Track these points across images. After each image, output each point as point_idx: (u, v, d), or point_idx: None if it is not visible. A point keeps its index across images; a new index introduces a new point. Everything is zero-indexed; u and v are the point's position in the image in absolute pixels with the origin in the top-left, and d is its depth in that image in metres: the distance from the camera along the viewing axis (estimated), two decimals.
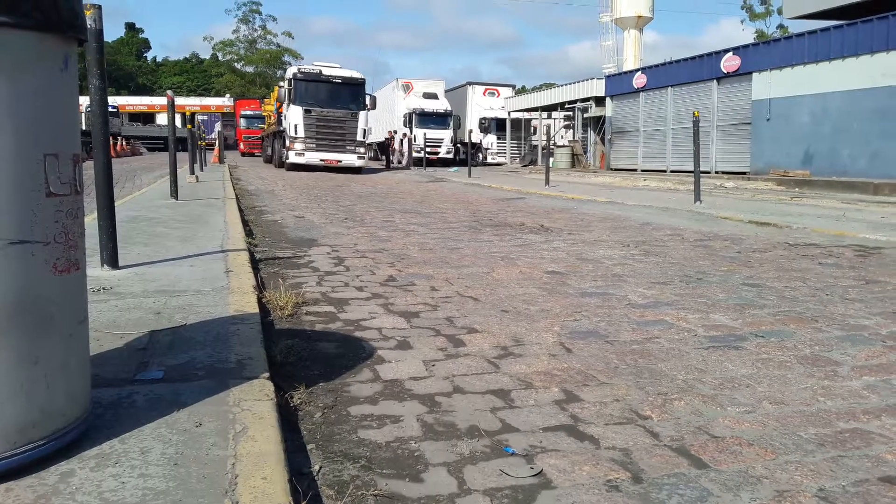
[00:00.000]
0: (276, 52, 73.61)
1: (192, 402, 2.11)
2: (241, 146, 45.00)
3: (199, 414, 2.04)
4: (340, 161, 22.25)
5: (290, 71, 23.28)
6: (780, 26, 58.02)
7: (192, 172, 13.56)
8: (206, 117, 52.50)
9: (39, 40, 1.58)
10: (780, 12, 53.64)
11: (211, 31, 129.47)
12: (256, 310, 3.29)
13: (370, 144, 23.61)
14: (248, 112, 45.91)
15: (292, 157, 21.96)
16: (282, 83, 23.72)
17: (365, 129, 22.97)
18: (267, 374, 2.39)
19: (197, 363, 2.50)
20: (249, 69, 74.67)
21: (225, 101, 62.61)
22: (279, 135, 25.45)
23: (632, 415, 2.35)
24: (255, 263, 4.86)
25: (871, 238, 6.95)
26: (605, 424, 2.27)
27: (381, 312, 3.69)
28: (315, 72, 22.55)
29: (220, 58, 79.40)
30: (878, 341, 3.28)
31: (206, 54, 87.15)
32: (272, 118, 30.46)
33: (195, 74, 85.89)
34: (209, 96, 71.12)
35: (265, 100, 39.49)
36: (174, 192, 9.08)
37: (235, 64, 75.98)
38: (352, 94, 22.66)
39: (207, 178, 14.46)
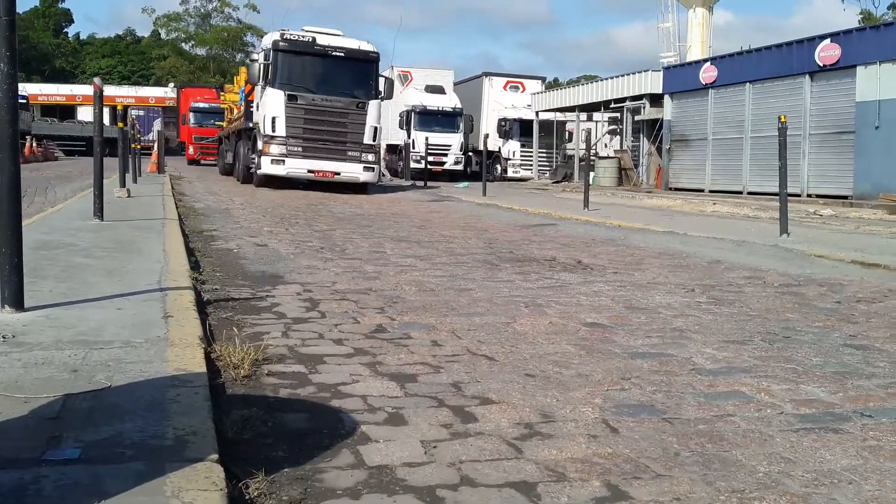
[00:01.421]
0: (236, 29, 74.90)
1: (117, 492, 2.12)
2: (190, 150, 42.30)
3: None
4: (338, 173, 19.67)
5: (269, 38, 20.24)
6: (893, 6, 58.81)
7: (123, 184, 13.69)
8: (141, 113, 53.04)
9: None
10: None
11: (152, 1, 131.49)
12: (203, 368, 3.31)
13: (377, 151, 20.66)
14: (202, 105, 42.78)
15: (267, 166, 19.25)
16: (252, 58, 21.34)
17: (376, 128, 20.22)
18: (216, 456, 2.40)
19: (124, 439, 2.52)
20: (201, 52, 75.81)
21: (167, 93, 63.36)
22: (246, 134, 22.82)
23: None
24: (202, 306, 4.89)
25: None
26: None
27: (366, 374, 3.70)
28: (306, 40, 19.67)
29: (162, 36, 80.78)
30: None
31: (144, 31, 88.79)
32: (234, 111, 27.95)
33: (130, 57, 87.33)
34: (147, 85, 72.14)
35: (225, 87, 35.82)
36: (98, 211, 9.17)
37: (183, 44, 77.16)
38: (359, 74, 20.00)
39: (142, 192, 14.61)
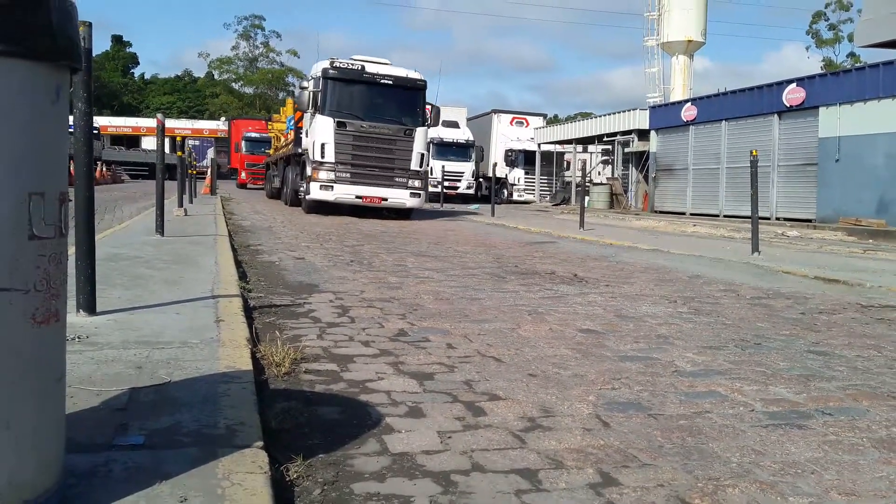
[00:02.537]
0: (279, 71, 75.37)
1: (176, 474, 2.13)
2: (242, 175, 41.19)
3: (183, 487, 2.05)
4: (386, 199, 17.88)
5: (319, 66, 18.07)
6: (851, 55, 58.59)
7: (181, 205, 13.80)
8: (197, 142, 53.46)
9: (31, 71, 1.66)
10: (850, 39, 54.21)
11: (207, 47, 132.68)
12: (250, 366, 3.33)
13: (423, 177, 18.80)
14: (253, 134, 41.74)
15: (316, 192, 17.50)
16: (302, 85, 18.82)
17: (423, 155, 18.35)
18: (261, 443, 2.41)
19: (182, 427, 2.53)
20: (248, 90, 76.35)
21: (219, 125, 63.77)
22: (294, 160, 21.27)
23: (677, 503, 2.33)
24: (248, 312, 4.91)
25: None
26: None
27: (390, 372, 3.71)
28: (355, 68, 17.83)
29: (216, 77, 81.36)
30: None
31: (200, 72, 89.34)
32: (282, 139, 26.59)
33: (187, 94, 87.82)
34: (202, 119, 72.64)
35: (273, 117, 34.71)
36: (160, 228, 9.23)
37: (233, 84, 77.75)
38: (407, 102, 18.16)
39: (197, 212, 14.69)
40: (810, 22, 64.64)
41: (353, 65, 17.94)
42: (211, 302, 4.83)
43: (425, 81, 18.49)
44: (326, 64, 17.77)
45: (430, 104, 18.73)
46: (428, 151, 18.90)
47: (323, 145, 17.39)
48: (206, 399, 2.84)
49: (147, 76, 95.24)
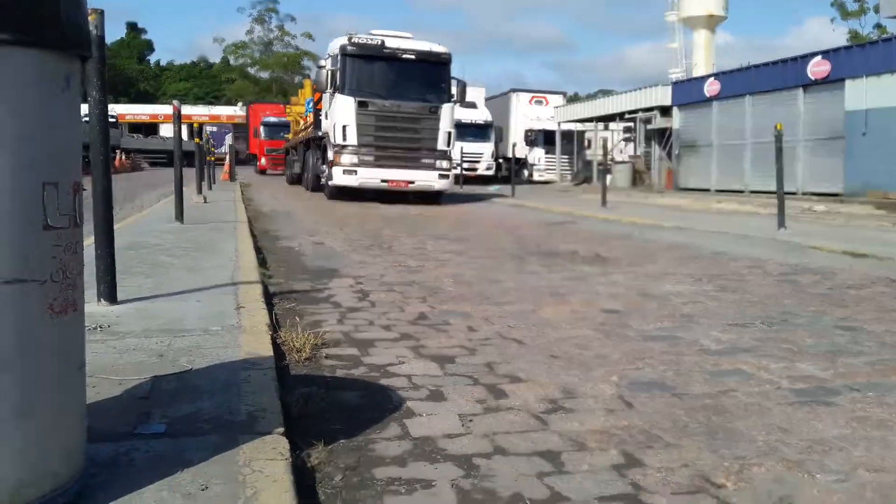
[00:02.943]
0: (295, 55, 75.17)
1: (198, 462, 2.15)
2: (262, 161, 40.58)
3: (205, 475, 2.07)
4: (413, 182, 16.87)
5: (337, 43, 17.07)
6: (878, 26, 57.41)
7: (200, 192, 13.89)
8: (215, 129, 53.66)
9: (39, 59, 1.67)
10: (876, 10, 53.12)
11: (222, 32, 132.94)
12: (270, 352, 3.34)
13: (451, 157, 17.69)
14: (272, 119, 40.83)
15: (338, 177, 16.64)
16: (320, 64, 17.77)
17: (450, 133, 17.24)
18: (281, 430, 2.43)
19: (203, 415, 2.55)
20: (264, 75, 76.38)
21: (236, 111, 63.97)
22: (314, 143, 20.49)
23: (703, 483, 2.32)
24: (269, 298, 4.94)
25: None
26: (672, 494, 2.25)
27: (410, 356, 3.71)
28: (375, 43, 16.80)
29: (231, 62, 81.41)
30: None
31: (215, 58, 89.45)
32: (301, 122, 25.60)
33: (203, 80, 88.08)
34: (219, 104, 72.90)
35: (291, 100, 33.43)
36: (179, 215, 9.30)
37: (249, 69, 77.82)
38: (432, 77, 17.05)
39: (216, 199, 14.78)
40: None
41: (372, 40, 16.86)
42: (231, 289, 4.86)
43: (450, 55, 17.37)
44: (344, 40, 16.73)
45: (455, 79, 17.56)
46: (454, 129, 17.72)
47: (344, 127, 16.41)
48: (227, 386, 2.86)
49: (163, 63, 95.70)
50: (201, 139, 16.99)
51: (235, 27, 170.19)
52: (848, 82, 20.78)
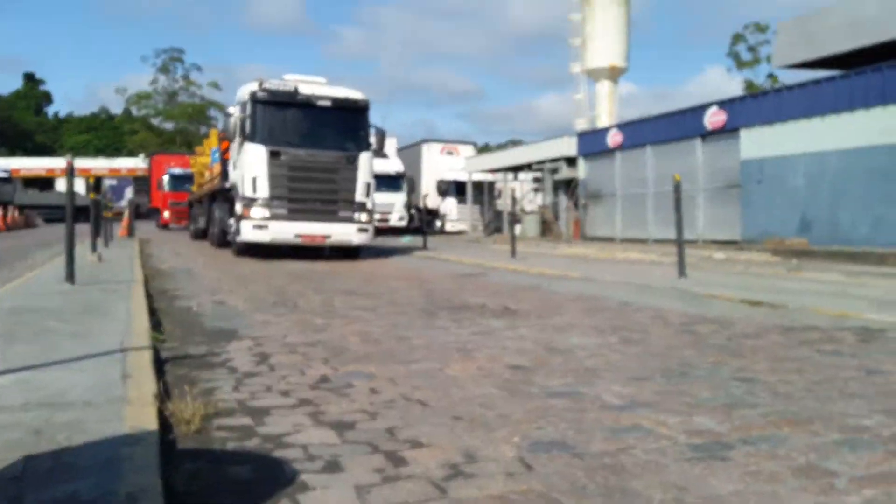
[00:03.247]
0: (200, 105, 74.45)
1: None
2: (166, 215, 38.77)
3: None
4: (329, 236, 16.05)
5: (247, 88, 16.18)
6: (771, 75, 61.22)
7: (94, 250, 13.39)
8: (115, 182, 52.18)
9: None
10: (768, 60, 56.67)
11: (124, 82, 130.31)
12: (156, 426, 3.20)
13: (370, 210, 16.84)
14: (177, 171, 39.41)
15: (248, 232, 15.58)
16: (228, 111, 16.74)
17: (369, 184, 16.54)
18: None
19: (80, 496, 2.42)
20: (168, 126, 75.18)
21: (138, 163, 62.43)
22: (221, 196, 19.38)
23: None
24: (160, 364, 4.76)
25: (875, 319, 7.15)
26: None
27: (308, 424, 3.62)
28: (288, 89, 16.04)
29: (134, 113, 79.87)
30: (879, 445, 3.34)
31: (117, 109, 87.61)
32: (206, 173, 24.61)
33: (104, 132, 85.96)
34: (120, 157, 71.07)
35: (196, 150, 32.01)
36: (70, 276, 8.92)
37: (152, 120, 76.48)
38: (349, 125, 16.48)
39: (113, 256, 14.28)
40: (730, 44, 67.27)
41: (284, 86, 16.12)
42: (119, 356, 4.66)
43: (368, 101, 16.76)
44: (255, 86, 15.93)
45: (374, 126, 16.96)
46: (373, 180, 17.04)
47: (254, 179, 15.50)
48: (106, 464, 2.71)
49: (62, 114, 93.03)
50: (98, 194, 16.42)
51: (139, 77, 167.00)
52: (743, 132, 21.93)
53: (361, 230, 16.28)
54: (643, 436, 3.48)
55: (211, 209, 21.74)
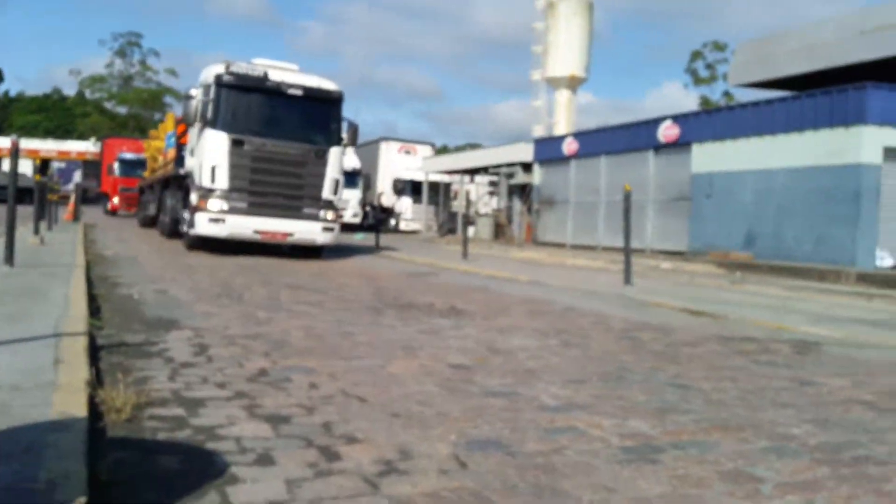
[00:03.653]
0: (156, 91, 73.13)
1: None
2: (115, 201, 37.46)
3: None
4: (291, 234, 14.94)
5: (211, 70, 15.00)
6: (726, 93, 62.48)
7: (37, 232, 13.05)
8: (63, 165, 50.88)
9: None
10: (724, 78, 57.83)
11: (80, 64, 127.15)
12: (85, 413, 3.13)
13: (337, 208, 15.83)
14: (129, 155, 37.86)
15: (202, 225, 14.32)
16: (189, 93, 15.45)
17: (338, 181, 15.45)
18: (84, 499, 2.26)
19: None
20: (122, 110, 73.70)
21: (89, 147, 60.99)
22: (175, 183, 18.14)
23: None
24: (95, 351, 4.65)
25: (811, 332, 7.36)
26: None
27: (242, 417, 3.57)
28: (256, 74, 14.87)
29: (87, 95, 78.11)
30: (805, 453, 3.43)
31: (71, 90, 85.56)
32: (159, 158, 23.26)
33: (56, 113, 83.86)
34: (70, 139, 69.40)
35: (150, 133, 30.32)
36: (9, 258, 8.68)
37: (105, 103, 74.90)
38: (320, 117, 15.44)
39: (56, 241, 13.92)
40: (689, 61, 68.53)
41: (253, 70, 14.87)
42: (53, 341, 4.54)
43: (342, 93, 15.67)
44: (220, 68, 14.65)
45: (346, 120, 15.81)
46: (343, 177, 16.01)
47: (213, 168, 14.22)
48: (29, 450, 2.64)
49: (13, 93, 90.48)
50: (44, 176, 15.99)
51: (94, 60, 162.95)
52: (695, 146, 22.34)
53: (326, 229, 15.21)
54: (576, 437, 3.52)
55: (162, 196, 20.50)
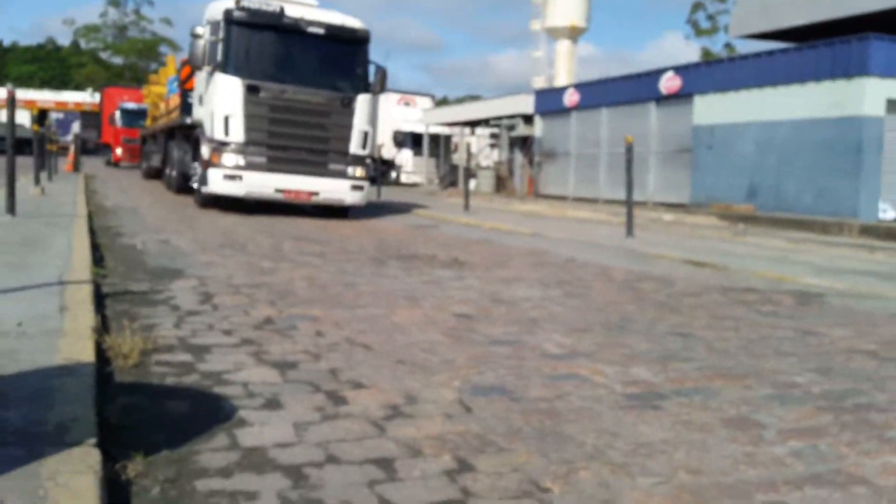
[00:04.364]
0: (151, 41, 72.12)
1: None
2: (118, 152, 36.14)
3: (1, 491, 1.92)
4: (317, 193, 13.11)
5: (220, 5, 13.05)
6: (728, 45, 61.65)
7: (38, 183, 13.00)
8: (61, 116, 50.43)
9: None
10: (726, 30, 57.07)
11: (73, 13, 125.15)
12: (92, 358, 3.15)
13: (368, 160, 14.00)
14: (131, 105, 36.15)
15: (217, 183, 12.61)
16: (195, 31, 13.34)
17: (367, 133, 13.55)
18: (94, 441, 2.28)
19: (7, 426, 2.37)
20: (117, 60, 72.82)
21: (86, 98, 60.36)
22: (182, 134, 16.58)
23: (530, 487, 2.37)
24: (100, 299, 4.66)
25: (812, 283, 7.37)
26: (500, 499, 2.28)
27: (250, 363, 3.59)
28: (272, 10, 12.87)
29: (82, 45, 77.14)
30: (808, 401, 3.46)
31: (65, 40, 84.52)
32: (161, 106, 21.45)
33: (51, 63, 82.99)
34: (67, 90, 68.73)
35: (150, 78, 28.47)
36: (10, 208, 8.66)
37: (101, 53, 74.00)
38: (344, 59, 13.57)
39: (57, 191, 13.88)
40: (690, 12, 67.45)
41: (267, 5, 12.87)
42: (58, 289, 4.55)
43: (368, 31, 13.67)
44: (229, 2, 12.73)
45: (374, 63, 13.83)
46: (372, 129, 14.02)
47: (227, 118, 12.49)
48: (37, 394, 2.66)
49: (6, 43, 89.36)
50: (42, 126, 15.85)
51: (88, 9, 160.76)
52: (697, 98, 22.14)
53: (356, 188, 13.39)
54: (579, 384, 3.54)
55: (168, 147, 18.63)
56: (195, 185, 14.03)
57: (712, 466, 2.62)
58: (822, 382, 3.79)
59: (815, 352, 4.49)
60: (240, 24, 12.69)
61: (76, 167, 23.91)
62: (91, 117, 52.49)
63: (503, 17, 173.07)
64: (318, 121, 13.07)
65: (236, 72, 12.60)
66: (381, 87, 13.93)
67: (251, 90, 12.55)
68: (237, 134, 12.54)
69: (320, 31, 13.07)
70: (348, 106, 13.22)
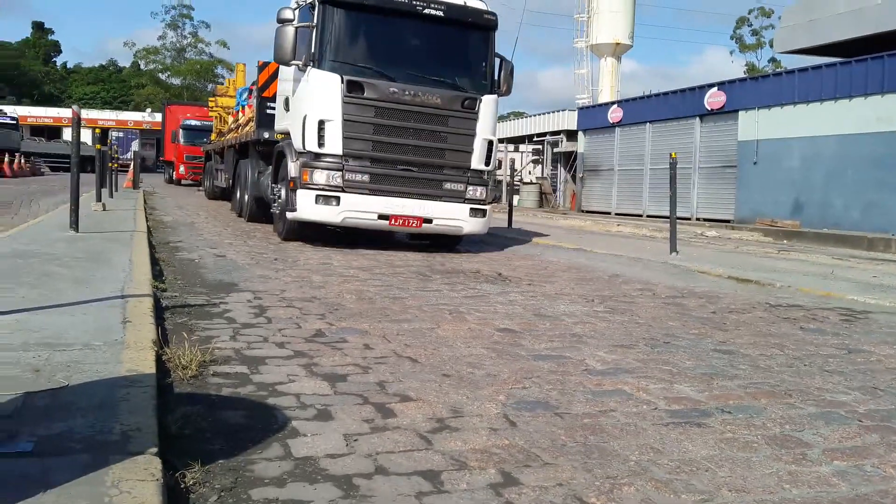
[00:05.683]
0: (208, 62, 73.90)
1: (63, 482, 2.07)
2: (181, 170, 34.41)
3: (69, 497, 1.99)
4: (430, 220, 10.20)
5: None
6: (773, 60, 60.81)
7: (99, 199, 13.36)
8: (121, 134, 51.76)
9: None
10: (771, 45, 56.28)
11: (133, 36, 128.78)
12: (153, 370, 3.24)
13: (488, 183, 11.04)
14: (194, 122, 34.06)
15: (306, 206, 9.79)
16: (283, 16, 10.04)
17: (491, 143, 10.67)
18: (155, 450, 2.35)
19: (75, 434, 2.45)
20: (176, 81, 74.64)
21: (145, 117, 62.03)
22: (255, 151, 13.60)
23: (574, 502, 2.38)
24: (159, 312, 4.79)
25: (859, 300, 7.21)
26: None
27: (302, 375, 3.66)
28: None
29: (142, 67, 79.25)
30: (854, 420, 3.39)
31: (125, 62, 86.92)
32: (229, 119, 19.22)
33: (112, 84, 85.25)
34: (127, 110, 70.65)
35: (217, 89, 26.33)
36: (74, 223, 8.91)
37: (160, 74, 75.93)
38: (467, 52, 10.83)
39: (117, 207, 14.23)
40: (734, 27, 66.84)
41: None
42: (120, 302, 4.69)
43: (496, 17, 10.64)
44: None
45: (500, 57, 10.86)
46: (496, 138, 11.34)
47: (321, 123, 9.70)
48: (103, 404, 2.75)
49: (70, 65, 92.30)
50: (104, 145, 16.28)
51: (147, 32, 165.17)
52: (741, 113, 21.87)
53: (476, 212, 10.49)
54: (624, 400, 3.53)
55: (238, 167, 15.69)
56: (276, 211, 11.26)
57: (756, 485, 2.59)
58: (868, 401, 3.71)
59: (861, 370, 4.40)
60: (340, 5, 9.95)
61: (135, 184, 24.49)
62: (149, 136, 53.81)
63: (547, 36, 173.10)
64: (433, 128, 10.18)
65: (333, 67, 9.83)
66: (507, 86, 10.96)
67: (353, 87, 9.74)
68: (334, 144, 9.77)
69: (439, 12, 10.16)
70: (472, 108, 10.32)
